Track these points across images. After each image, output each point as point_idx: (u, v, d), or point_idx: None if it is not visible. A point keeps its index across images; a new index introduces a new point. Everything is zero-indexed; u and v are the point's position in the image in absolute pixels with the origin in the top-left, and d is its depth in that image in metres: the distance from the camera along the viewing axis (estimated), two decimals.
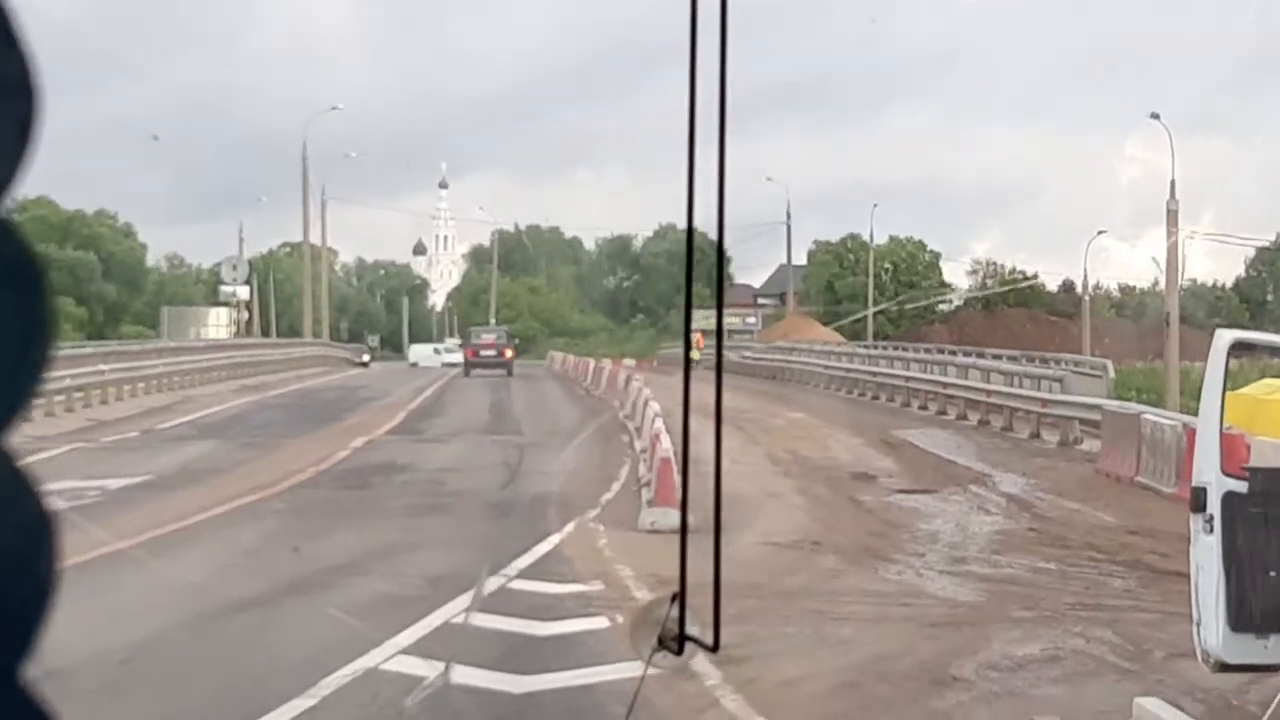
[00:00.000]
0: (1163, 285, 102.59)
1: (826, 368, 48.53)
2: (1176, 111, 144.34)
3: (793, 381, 52.40)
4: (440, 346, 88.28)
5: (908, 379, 38.39)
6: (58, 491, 20.69)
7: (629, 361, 75.06)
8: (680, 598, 2.17)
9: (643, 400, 29.02)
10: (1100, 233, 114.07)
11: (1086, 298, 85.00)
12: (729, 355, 68.63)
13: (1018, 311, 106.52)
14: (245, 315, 79.27)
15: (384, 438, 29.24)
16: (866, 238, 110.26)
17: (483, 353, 60.91)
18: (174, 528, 17.46)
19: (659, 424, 22.94)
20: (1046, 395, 28.97)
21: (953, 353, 46.42)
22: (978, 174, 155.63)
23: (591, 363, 61.93)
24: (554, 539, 16.93)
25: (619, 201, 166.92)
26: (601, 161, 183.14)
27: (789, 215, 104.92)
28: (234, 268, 72.51)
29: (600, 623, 12.67)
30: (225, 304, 74.81)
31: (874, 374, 42.38)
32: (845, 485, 22.59)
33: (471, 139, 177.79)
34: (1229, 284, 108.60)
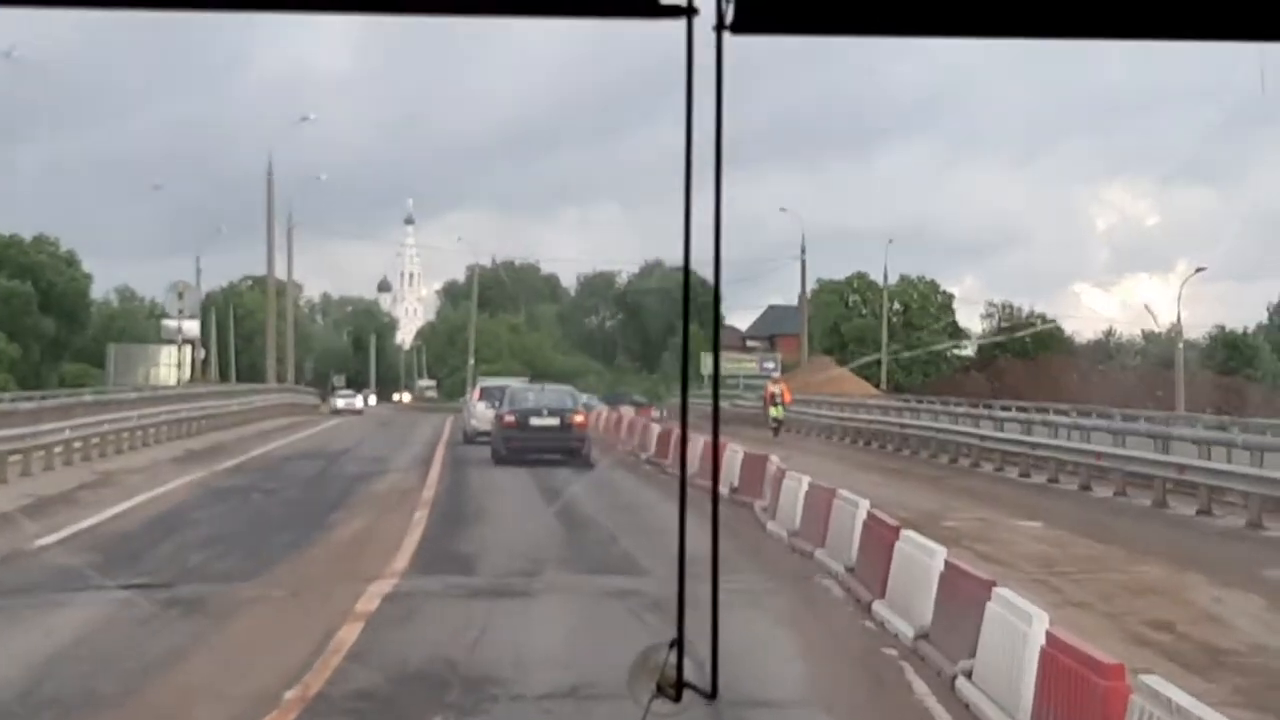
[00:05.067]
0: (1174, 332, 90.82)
1: (981, 438, 36.00)
2: (1161, 159, 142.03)
3: (896, 449, 40.31)
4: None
5: (1181, 468, 25.68)
6: None
7: (627, 409, 63.09)
8: (679, 644, 1.99)
9: (848, 521, 16.98)
10: (1199, 269, 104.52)
11: (1180, 346, 73.15)
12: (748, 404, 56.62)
13: (1058, 358, 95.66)
14: (201, 354, 66.61)
15: (412, 581, 16.90)
16: (873, 276, 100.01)
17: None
18: None
19: (1022, 598, 10.91)
20: None
21: (1058, 411, 34.78)
22: (958, 219, 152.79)
23: (625, 417, 49.62)
24: None
25: (603, 238, 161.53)
26: (591, 198, 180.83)
27: (803, 250, 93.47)
28: (179, 296, 56.33)
29: None
30: (170, 341, 59.56)
31: (1077, 450, 30.16)
32: None
33: (455, 174, 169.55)
34: (1249, 329, 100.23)
